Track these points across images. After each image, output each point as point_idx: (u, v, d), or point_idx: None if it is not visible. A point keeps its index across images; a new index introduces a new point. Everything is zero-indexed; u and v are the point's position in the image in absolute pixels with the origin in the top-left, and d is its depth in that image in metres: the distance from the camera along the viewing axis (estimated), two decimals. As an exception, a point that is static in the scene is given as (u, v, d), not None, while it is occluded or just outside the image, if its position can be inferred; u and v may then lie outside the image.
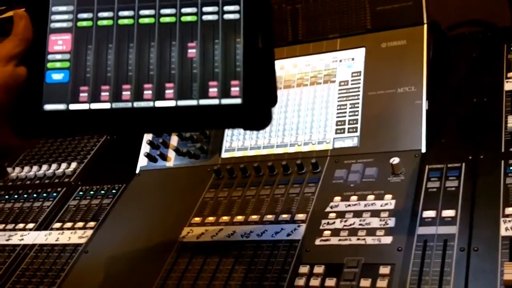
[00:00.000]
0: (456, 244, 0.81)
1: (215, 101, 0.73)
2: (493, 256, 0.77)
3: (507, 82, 1.04)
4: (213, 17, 0.75)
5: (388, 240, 0.86)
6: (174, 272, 0.94)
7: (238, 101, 0.72)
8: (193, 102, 0.73)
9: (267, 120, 0.73)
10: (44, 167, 1.34)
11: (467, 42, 1.17)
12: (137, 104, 0.74)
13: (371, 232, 0.88)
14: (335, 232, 0.91)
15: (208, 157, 1.17)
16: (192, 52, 0.74)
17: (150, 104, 0.74)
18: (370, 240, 0.87)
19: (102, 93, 0.75)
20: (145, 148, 1.22)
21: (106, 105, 0.74)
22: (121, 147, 1.32)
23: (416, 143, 1.00)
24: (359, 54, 1.15)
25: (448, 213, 0.86)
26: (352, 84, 1.13)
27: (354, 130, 1.07)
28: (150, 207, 1.12)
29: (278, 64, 1.21)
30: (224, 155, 1.16)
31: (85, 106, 0.75)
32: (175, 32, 0.75)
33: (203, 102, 0.73)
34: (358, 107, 1.09)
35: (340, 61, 1.17)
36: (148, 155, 1.20)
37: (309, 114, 1.14)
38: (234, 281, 0.89)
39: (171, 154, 1.20)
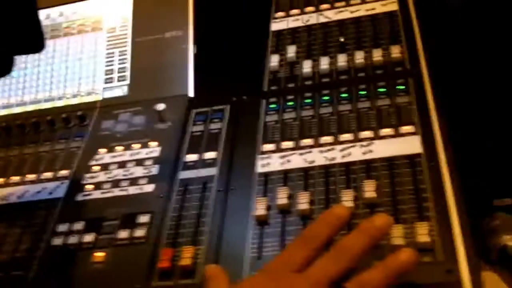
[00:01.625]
0: (215, 185, 0.79)
1: None
2: (248, 194, 0.77)
3: (274, 22, 1.03)
4: None
5: (150, 188, 0.83)
6: None
7: None
8: None
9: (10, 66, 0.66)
10: None
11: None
12: None
13: (134, 182, 0.85)
14: (98, 186, 0.86)
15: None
16: None
17: None
18: (132, 190, 0.84)
19: None
20: None
21: None
22: None
23: (184, 88, 0.97)
24: (127, -1, 1.09)
25: (209, 155, 0.84)
26: (120, 31, 1.07)
27: (123, 78, 1.02)
28: None
29: (43, 13, 1.13)
30: (-13, 114, 1.06)
31: None
32: None
33: None
34: (126, 54, 1.04)
35: (108, 6, 1.10)
36: None
37: (77, 65, 1.07)
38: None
39: None
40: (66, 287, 0.75)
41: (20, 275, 0.77)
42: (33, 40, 0.70)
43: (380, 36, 0.93)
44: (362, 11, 0.99)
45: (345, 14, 0.99)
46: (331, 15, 1.00)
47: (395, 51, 0.89)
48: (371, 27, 0.95)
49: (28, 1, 0.68)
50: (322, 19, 1.00)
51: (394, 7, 0.97)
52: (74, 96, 1.04)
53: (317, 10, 1.02)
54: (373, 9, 0.98)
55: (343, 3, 1.01)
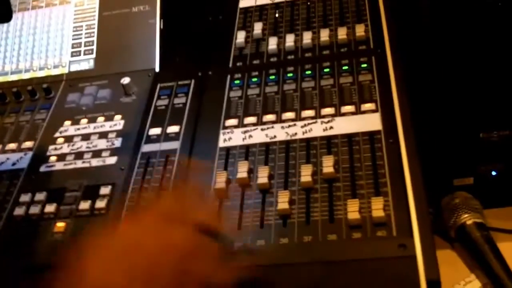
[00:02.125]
0: (177, 158, 0.80)
1: None
2: (210, 168, 0.77)
3: (242, -1, 1.04)
4: None
5: (112, 160, 0.83)
6: None
7: None
8: None
9: None
10: None
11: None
12: None
13: (96, 154, 0.85)
14: (61, 157, 0.86)
15: None
16: None
17: None
18: (95, 162, 0.84)
19: None
20: None
21: None
22: None
23: (150, 62, 0.97)
24: (96, -28, 1.09)
25: (172, 129, 0.84)
26: (87, 4, 1.07)
27: (90, 52, 1.02)
28: None
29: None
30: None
31: None
32: None
33: None
34: (93, 28, 1.04)
35: (76, -20, 1.10)
36: None
37: (45, 37, 1.06)
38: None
39: None
40: (27, 256, 0.75)
41: (-19, 245, 0.78)
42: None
43: (346, 15, 0.94)
44: (329, -12, 0.99)
45: (313, -9, 1.00)
46: (299, -7, 1.00)
47: (360, 30, 0.90)
48: (338, 5, 0.96)
49: None
50: (290, -3, 1.00)
51: (361, -15, 0.98)
52: (41, 68, 1.04)
53: (286, -12, 1.02)
54: (340, -13, 0.99)
55: (311, -19, 1.02)
